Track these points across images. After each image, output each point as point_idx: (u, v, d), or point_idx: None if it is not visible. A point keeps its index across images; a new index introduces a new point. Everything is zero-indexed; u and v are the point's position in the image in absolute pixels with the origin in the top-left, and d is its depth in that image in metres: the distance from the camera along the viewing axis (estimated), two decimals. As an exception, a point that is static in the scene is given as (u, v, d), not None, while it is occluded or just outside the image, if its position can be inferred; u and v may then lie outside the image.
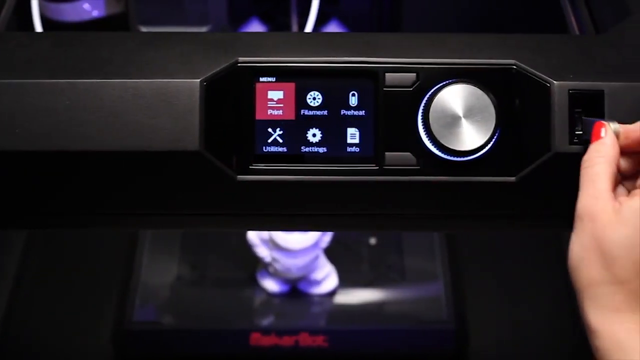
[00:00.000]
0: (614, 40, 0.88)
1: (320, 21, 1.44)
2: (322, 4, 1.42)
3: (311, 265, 1.49)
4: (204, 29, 1.29)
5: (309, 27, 1.17)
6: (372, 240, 1.63)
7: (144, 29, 1.29)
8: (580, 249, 0.71)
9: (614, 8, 0.94)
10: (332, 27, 1.45)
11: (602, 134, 0.76)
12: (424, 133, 0.81)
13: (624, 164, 0.76)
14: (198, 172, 0.82)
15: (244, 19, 1.43)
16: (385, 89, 0.83)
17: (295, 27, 1.39)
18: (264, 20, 1.44)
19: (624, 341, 0.68)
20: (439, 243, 1.61)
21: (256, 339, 1.46)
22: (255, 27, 1.43)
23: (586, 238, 0.71)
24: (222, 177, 0.82)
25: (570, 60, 0.84)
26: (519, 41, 0.86)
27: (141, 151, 0.81)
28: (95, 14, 1.27)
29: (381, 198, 0.84)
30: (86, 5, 1.26)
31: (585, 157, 0.75)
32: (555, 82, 0.82)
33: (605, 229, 0.70)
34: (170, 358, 1.49)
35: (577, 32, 1.04)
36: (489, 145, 0.81)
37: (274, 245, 1.45)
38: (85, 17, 1.26)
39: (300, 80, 0.83)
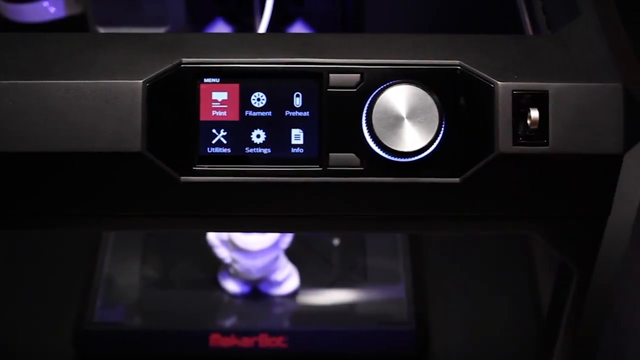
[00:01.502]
0: (561, 41, 0.88)
1: (286, 22, 1.44)
2: (287, 5, 1.42)
3: (271, 266, 1.48)
4: (162, 30, 1.28)
5: (262, 28, 1.17)
6: (335, 241, 1.62)
7: (102, 30, 1.28)
8: None
9: (566, 9, 0.94)
10: (298, 28, 1.44)
11: None
12: (368, 134, 0.81)
13: None
14: (140, 174, 0.81)
15: (205, 20, 1.42)
16: (329, 89, 0.82)
17: (259, 28, 1.38)
18: (229, 21, 1.44)
19: None
20: (402, 244, 1.61)
21: (215, 339, 1.45)
22: (221, 28, 1.43)
23: None
24: (165, 179, 0.82)
25: (516, 61, 0.84)
26: (465, 42, 0.86)
27: (83, 152, 0.80)
28: (54, 15, 1.26)
29: (325, 199, 0.84)
30: (45, 5, 1.25)
31: None
32: (499, 82, 0.82)
33: None
34: (130, 358, 1.48)
35: (531, 33, 1.04)
36: (433, 146, 0.81)
37: (233, 246, 1.44)
38: (45, 17, 1.26)
39: (245, 81, 0.83)
